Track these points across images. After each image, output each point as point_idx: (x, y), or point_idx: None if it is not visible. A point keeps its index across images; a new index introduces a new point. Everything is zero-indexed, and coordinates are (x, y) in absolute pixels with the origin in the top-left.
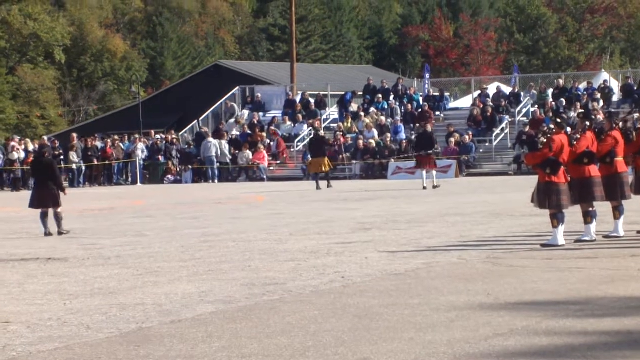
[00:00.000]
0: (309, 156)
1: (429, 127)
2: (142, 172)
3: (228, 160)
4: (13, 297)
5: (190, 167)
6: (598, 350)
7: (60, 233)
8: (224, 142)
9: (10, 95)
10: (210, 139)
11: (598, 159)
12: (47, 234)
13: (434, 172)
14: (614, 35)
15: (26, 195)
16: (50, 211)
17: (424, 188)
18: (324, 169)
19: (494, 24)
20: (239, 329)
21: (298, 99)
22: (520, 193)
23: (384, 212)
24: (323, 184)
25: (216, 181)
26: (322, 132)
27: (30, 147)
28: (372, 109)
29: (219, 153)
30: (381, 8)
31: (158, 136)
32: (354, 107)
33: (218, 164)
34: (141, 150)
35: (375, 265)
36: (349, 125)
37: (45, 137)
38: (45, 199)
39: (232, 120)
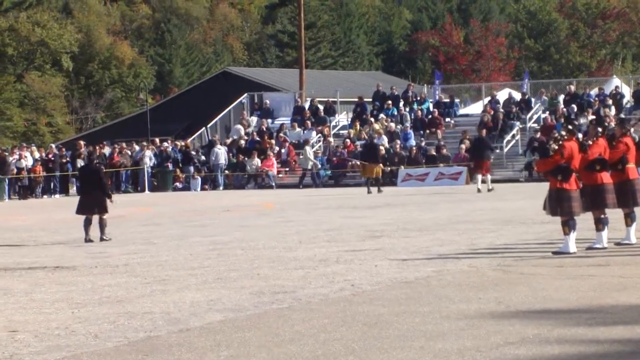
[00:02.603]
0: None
1: (484, 133)
2: (150, 179)
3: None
4: (20, 306)
5: (197, 175)
6: (610, 358)
7: (102, 239)
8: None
9: (17, 102)
10: (220, 146)
11: (610, 166)
12: (88, 240)
13: (489, 176)
14: (626, 41)
15: (33, 203)
16: (95, 218)
17: (479, 191)
18: (375, 174)
19: (504, 30)
20: (247, 338)
21: (307, 105)
22: (531, 200)
23: (394, 220)
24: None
25: (221, 188)
26: (375, 139)
27: (37, 155)
28: (382, 116)
29: (226, 160)
30: (390, 14)
31: (166, 143)
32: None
33: (226, 172)
34: (149, 158)
35: (385, 273)
36: (358, 131)
37: (53, 145)
38: (92, 205)
39: (235, 129)
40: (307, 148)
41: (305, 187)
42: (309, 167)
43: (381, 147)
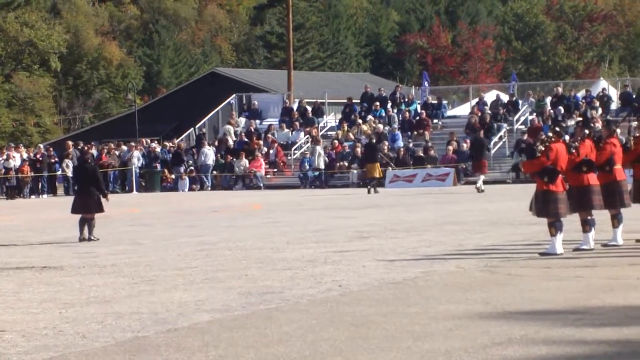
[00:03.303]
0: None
1: (481, 134)
2: (138, 180)
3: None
4: (8, 306)
5: (186, 175)
6: (597, 359)
7: (89, 239)
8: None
9: (5, 103)
10: (208, 147)
11: (597, 167)
12: (82, 239)
13: (482, 177)
14: (613, 43)
15: (21, 203)
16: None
17: (480, 190)
18: (376, 174)
19: (492, 32)
20: (235, 338)
21: (295, 106)
22: (518, 201)
23: (382, 221)
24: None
25: (209, 189)
26: (374, 140)
27: (25, 155)
28: (370, 117)
29: (214, 161)
30: (378, 16)
31: (154, 144)
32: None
33: (214, 172)
34: (137, 158)
35: (373, 274)
36: (346, 132)
37: (41, 145)
38: (88, 204)
39: (224, 129)
40: (318, 148)
41: (293, 188)
42: (322, 166)
43: (381, 147)
